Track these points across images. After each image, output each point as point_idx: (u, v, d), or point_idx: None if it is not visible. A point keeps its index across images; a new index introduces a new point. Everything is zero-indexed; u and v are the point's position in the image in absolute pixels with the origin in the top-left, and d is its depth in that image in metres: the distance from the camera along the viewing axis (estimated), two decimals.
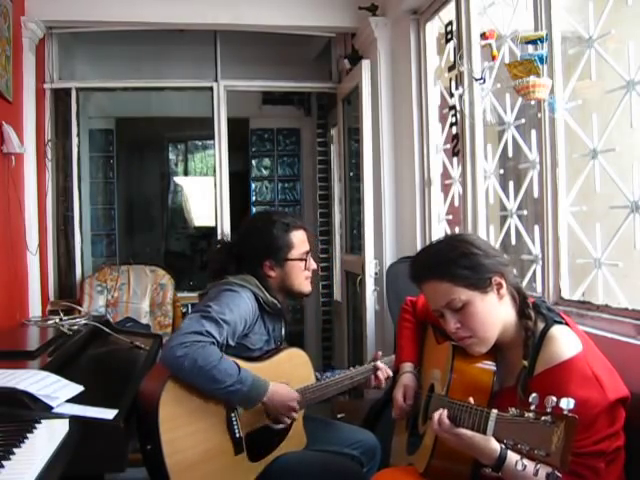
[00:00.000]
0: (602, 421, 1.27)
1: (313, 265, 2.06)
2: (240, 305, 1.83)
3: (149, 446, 1.69)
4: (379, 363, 2.05)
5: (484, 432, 1.25)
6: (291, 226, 2.00)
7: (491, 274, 1.41)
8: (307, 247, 2.04)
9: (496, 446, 1.26)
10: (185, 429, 1.70)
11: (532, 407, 1.14)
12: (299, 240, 2.01)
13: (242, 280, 1.92)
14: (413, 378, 1.71)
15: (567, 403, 1.08)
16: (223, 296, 1.84)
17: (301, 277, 2.01)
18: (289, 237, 1.99)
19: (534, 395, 1.15)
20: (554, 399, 1.10)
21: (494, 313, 1.43)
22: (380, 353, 2.10)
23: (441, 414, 1.36)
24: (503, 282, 1.43)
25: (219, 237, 2.06)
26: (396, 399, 1.69)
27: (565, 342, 1.35)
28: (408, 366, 1.75)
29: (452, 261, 1.42)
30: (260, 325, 1.94)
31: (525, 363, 1.38)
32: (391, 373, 1.99)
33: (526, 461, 1.12)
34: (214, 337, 1.72)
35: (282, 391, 1.81)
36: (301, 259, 2.00)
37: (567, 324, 1.41)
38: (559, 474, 1.08)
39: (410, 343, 1.79)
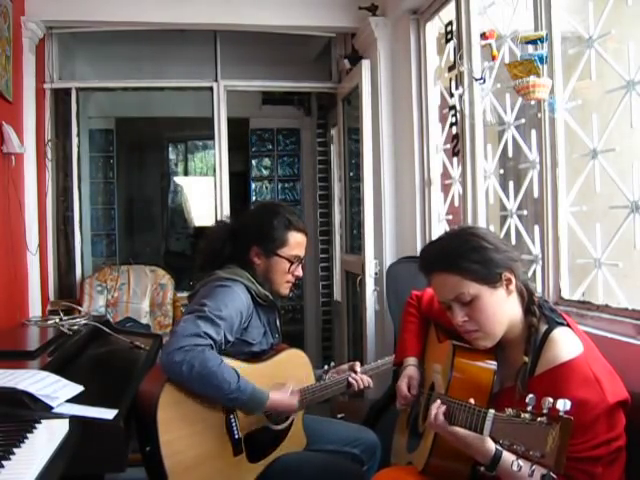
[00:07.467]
0: (601, 425, 1.26)
1: (299, 272, 2.00)
2: (234, 299, 1.82)
3: (148, 447, 1.68)
4: (358, 372, 2.01)
5: (481, 432, 1.25)
6: (293, 225, 1.97)
7: (501, 269, 1.41)
8: (300, 252, 1.98)
9: (491, 446, 1.26)
10: (184, 430, 1.70)
11: (529, 408, 1.14)
12: (295, 241, 1.97)
13: (232, 274, 1.90)
14: (417, 371, 1.71)
15: (563, 404, 1.08)
16: (216, 292, 1.82)
17: (282, 278, 1.97)
18: (286, 233, 1.95)
19: (531, 396, 1.15)
20: (551, 400, 1.10)
21: (502, 308, 1.42)
22: (358, 363, 2.05)
23: (437, 410, 1.36)
24: (512, 278, 1.42)
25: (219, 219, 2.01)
26: (400, 389, 1.68)
27: (566, 344, 1.35)
28: (412, 360, 1.74)
29: (463, 254, 1.41)
30: (256, 318, 1.92)
31: (526, 359, 1.38)
32: (369, 384, 1.99)
33: (522, 462, 1.12)
34: (212, 338, 1.71)
35: (282, 404, 1.81)
36: (289, 259, 1.96)
37: (569, 325, 1.41)
38: (554, 475, 1.08)
39: (415, 338, 1.79)
